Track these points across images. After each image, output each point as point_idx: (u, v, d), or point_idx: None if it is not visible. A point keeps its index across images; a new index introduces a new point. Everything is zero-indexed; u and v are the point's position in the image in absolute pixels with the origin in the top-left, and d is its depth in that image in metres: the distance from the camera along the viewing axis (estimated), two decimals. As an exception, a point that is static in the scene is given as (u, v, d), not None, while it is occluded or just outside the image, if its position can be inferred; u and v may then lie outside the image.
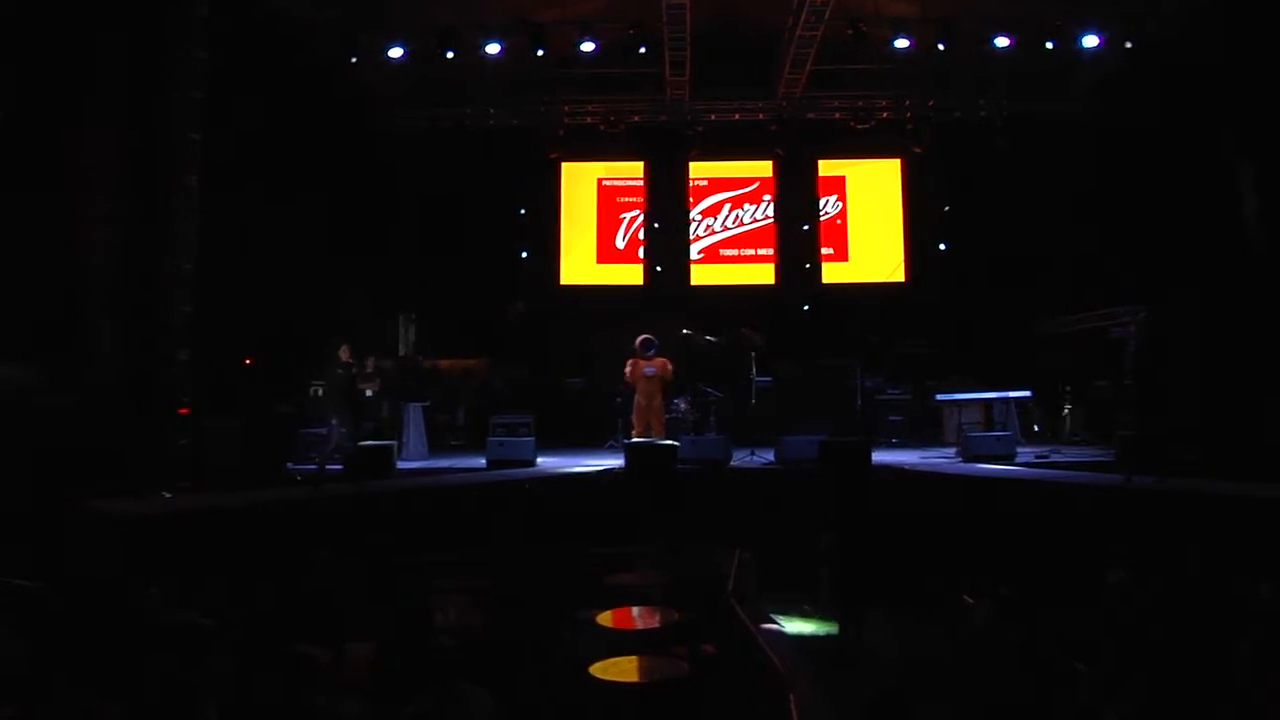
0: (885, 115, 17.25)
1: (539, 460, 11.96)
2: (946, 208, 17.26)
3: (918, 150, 17.43)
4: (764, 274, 17.99)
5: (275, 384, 12.79)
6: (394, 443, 12.18)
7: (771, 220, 18.05)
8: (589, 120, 17.37)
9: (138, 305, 10.51)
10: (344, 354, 11.75)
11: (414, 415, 13.70)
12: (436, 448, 14.20)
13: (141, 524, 7.98)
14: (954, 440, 12.66)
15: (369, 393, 13.27)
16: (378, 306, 15.95)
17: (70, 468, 8.64)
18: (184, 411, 10.49)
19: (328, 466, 11.35)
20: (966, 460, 11.48)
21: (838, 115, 17.31)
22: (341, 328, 12.90)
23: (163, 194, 10.78)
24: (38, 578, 5.76)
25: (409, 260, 16.58)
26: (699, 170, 18.06)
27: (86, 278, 10.23)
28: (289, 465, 11.92)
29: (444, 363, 16.37)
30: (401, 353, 16.54)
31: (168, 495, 9.38)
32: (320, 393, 12.72)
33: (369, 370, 13.10)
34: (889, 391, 15.10)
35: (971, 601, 6.22)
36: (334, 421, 11.64)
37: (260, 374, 12.97)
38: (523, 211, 17.79)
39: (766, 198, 18.14)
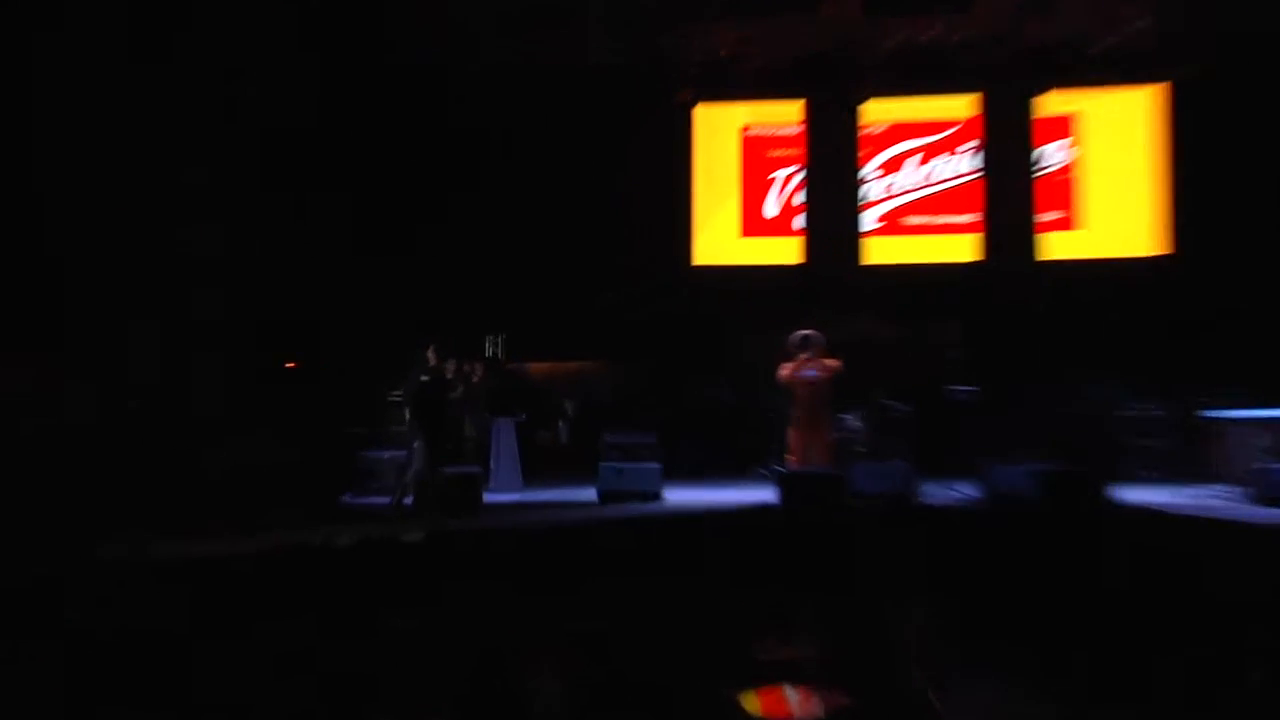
0: (1137, 27, 16.59)
1: (665, 493, 12.08)
2: (1226, 155, 16.38)
3: (1188, 74, 16.83)
4: (965, 248, 17.78)
5: (344, 398, 13.20)
6: (479, 469, 12.42)
7: (978, 175, 17.78)
8: (727, 52, 17.39)
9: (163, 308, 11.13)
10: (431, 357, 11.87)
11: (504, 435, 13.95)
12: (532, 474, 14.40)
13: (154, 572, 8.53)
14: (1231, 474, 12.30)
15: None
16: (459, 301, 16.28)
17: (97, 503, 9.34)
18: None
19: (404, 500, 11.56)
20: (1256, 503, 11.22)
21: (1067, 31, 16.88)
22: (423, 327, 13.19)
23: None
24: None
25: (493, 239, 16.86)
26: (876, 111, 18.00)
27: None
28: (346, 498, 12.30)
29: (534, 366, 16.62)
30: (488, 354, 16.87)
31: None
32: (396, 404, 13.08)
33: (449, 375, 13.35)
34: (1134, 407, 14.75)
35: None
36: (415, 443, 11.67)
37: (326, 386, 13.44)
38: (640, 173, 17.81)
39: (969, 146, 17.91)
